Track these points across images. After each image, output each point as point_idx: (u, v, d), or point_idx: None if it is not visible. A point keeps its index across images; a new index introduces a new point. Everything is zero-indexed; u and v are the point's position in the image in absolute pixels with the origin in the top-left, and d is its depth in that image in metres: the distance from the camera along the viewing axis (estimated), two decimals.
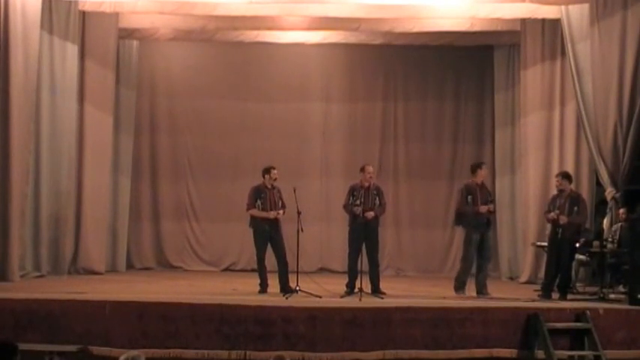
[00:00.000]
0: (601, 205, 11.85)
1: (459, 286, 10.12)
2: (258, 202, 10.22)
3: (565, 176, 10.19)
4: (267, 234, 10.20)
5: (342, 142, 14.25)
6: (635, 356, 8.51)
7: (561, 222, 9.82)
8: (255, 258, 10.38)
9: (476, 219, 10.05)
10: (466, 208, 10.12)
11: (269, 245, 10.25)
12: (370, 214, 10.01)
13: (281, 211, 10.25)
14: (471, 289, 10.11)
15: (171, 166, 14.19)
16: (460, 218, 10.39)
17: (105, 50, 12.67)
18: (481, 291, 9.99)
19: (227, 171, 14.03)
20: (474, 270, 10.21)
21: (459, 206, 10.38)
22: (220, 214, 13.85)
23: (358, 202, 10.00)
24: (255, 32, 13.12)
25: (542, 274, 10.77)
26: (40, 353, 7.88)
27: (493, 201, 10.25)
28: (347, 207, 10.22)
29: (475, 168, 10.43)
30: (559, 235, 9.89)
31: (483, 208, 10.01)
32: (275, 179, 10.33)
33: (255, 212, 10.26)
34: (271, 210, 10.17)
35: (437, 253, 13.99)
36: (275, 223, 10.21)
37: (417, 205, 14.09)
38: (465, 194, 10.17)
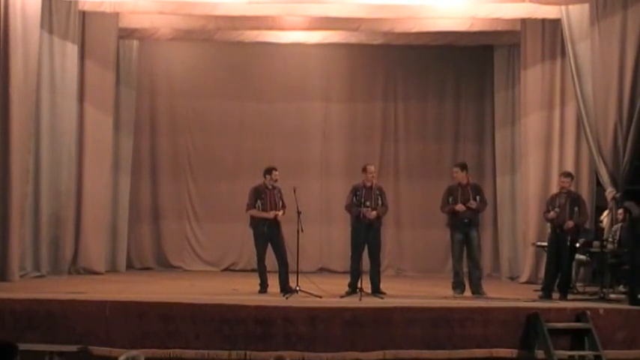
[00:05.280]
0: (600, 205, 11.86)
1: (455, 286, 10.15)
2: (259, 202, 10.22)
3: (570, 176, 10.25)
4: (266, 234, 10.19)
5: (342, 142, 14.24)
6: (635, 356, 8.51)
7: (568, 227, 9.81)
8: (256, 258, 10.39)
9: (455, 219, 10.08)
10: (444, 209, 10.18)
11: (269, 245, 10.25)
12: (373, 214, 9.98)
13: (280, 212, 10.23)
14: (469, 289, 10.11)
15: (171, 166, 14.18)
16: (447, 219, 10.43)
17: (105, 50, 12.66)
18: (476, 291, 9.99)
19: (227, 171, 14.02)
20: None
21: (440, 207, 10.39)
22: (220, 214, 13.84)
23: (368, 203, 9.95)
24: (255, 32, 13.12)
25: (542, 274, 10.77)
26: (40, 353, 7.89)
27: (481, 199, 10.14)
28: (349, 207, 10.17)
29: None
30: (559, 236, 9.90)
31: (459, 207, 9.99)
32: (276, 180, 10.33)
33: (254, 213, 10.26)
34: (271, 210, 10.17)
35: (437, 253, 13.93)
36: (275, 223, 10.20)
37: (417, 204, 14.05)
38: (446, 195, 10.22)
